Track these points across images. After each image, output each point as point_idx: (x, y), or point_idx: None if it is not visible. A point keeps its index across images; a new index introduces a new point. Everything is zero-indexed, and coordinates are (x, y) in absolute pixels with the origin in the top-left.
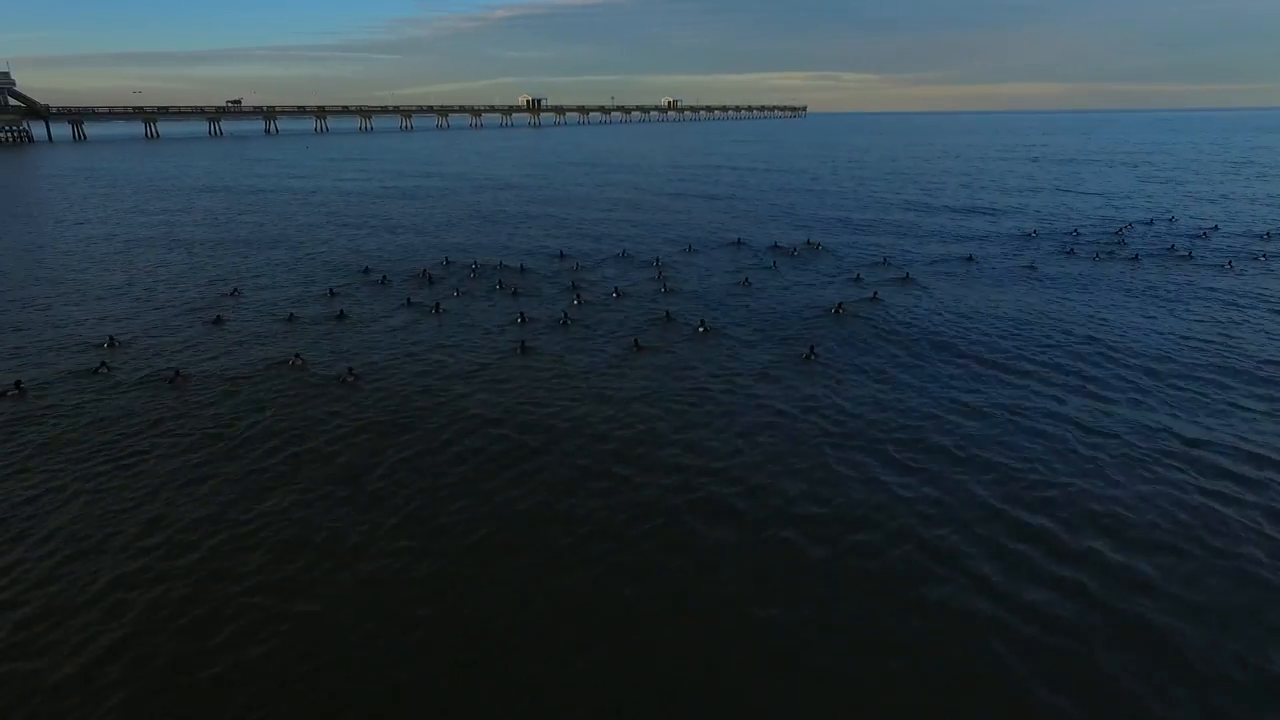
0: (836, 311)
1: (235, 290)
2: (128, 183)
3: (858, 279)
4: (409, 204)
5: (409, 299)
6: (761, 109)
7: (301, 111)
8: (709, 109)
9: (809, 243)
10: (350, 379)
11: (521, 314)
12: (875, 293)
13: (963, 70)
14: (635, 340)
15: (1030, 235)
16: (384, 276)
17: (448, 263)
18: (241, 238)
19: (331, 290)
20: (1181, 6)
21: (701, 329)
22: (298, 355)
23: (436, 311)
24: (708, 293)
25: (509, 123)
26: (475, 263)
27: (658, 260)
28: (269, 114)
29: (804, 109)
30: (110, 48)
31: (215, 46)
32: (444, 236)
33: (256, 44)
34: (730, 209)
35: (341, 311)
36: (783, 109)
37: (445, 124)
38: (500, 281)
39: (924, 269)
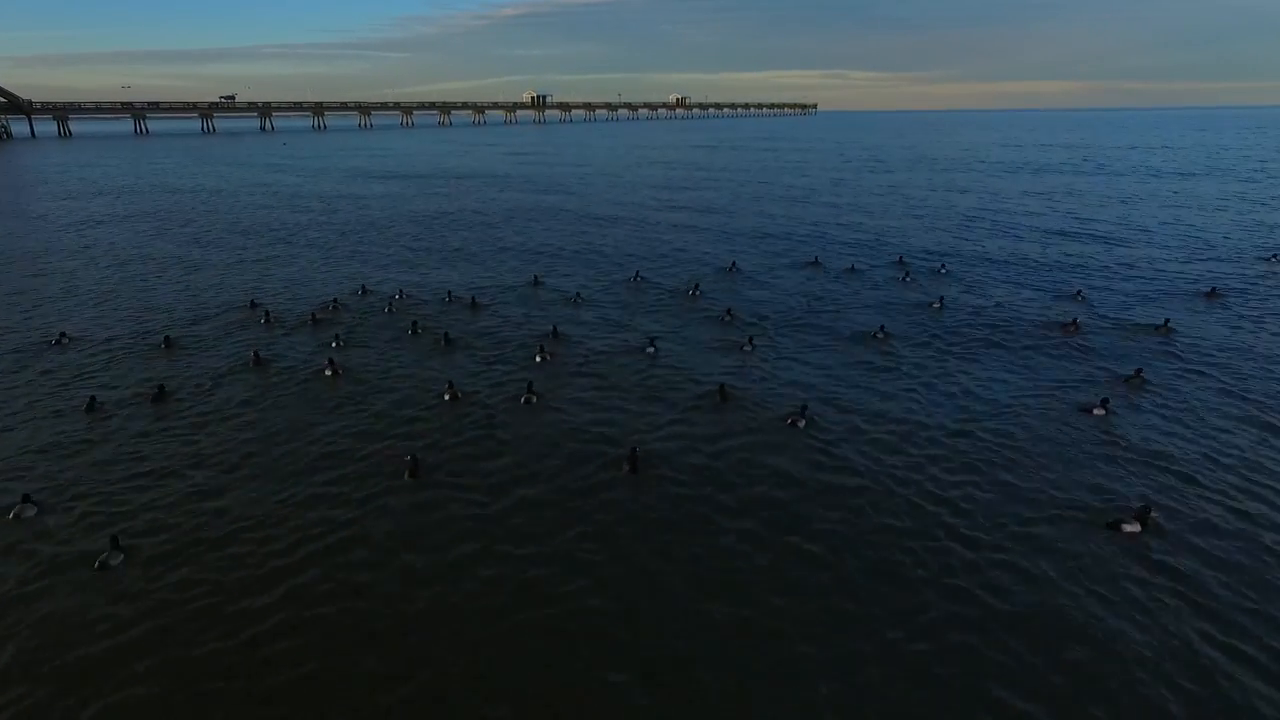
0: None
1: (62, 336)
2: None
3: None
4: (332, 212)
5: (255, 355)
6: (771, 107)
7: (298, 108)
8: (718, 106)
9: (942, 268)
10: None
11: (450, 384)
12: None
13: (974, 68)
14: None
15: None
16: (267, 314)
17: (364, 292)
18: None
19: (167, 340)
20: (1195, 3)
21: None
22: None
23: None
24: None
25: (513, 120)
26: (399, 293)
27: (696, 287)
28: (264, 110)
29: (814, 107)
30: (119, 46)
31: (223, 44)
32: (367, 258)
33: (264, 41)
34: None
35: (162, 388)
36: (793, 106)
37: (447, 121)
38: (415, 325)
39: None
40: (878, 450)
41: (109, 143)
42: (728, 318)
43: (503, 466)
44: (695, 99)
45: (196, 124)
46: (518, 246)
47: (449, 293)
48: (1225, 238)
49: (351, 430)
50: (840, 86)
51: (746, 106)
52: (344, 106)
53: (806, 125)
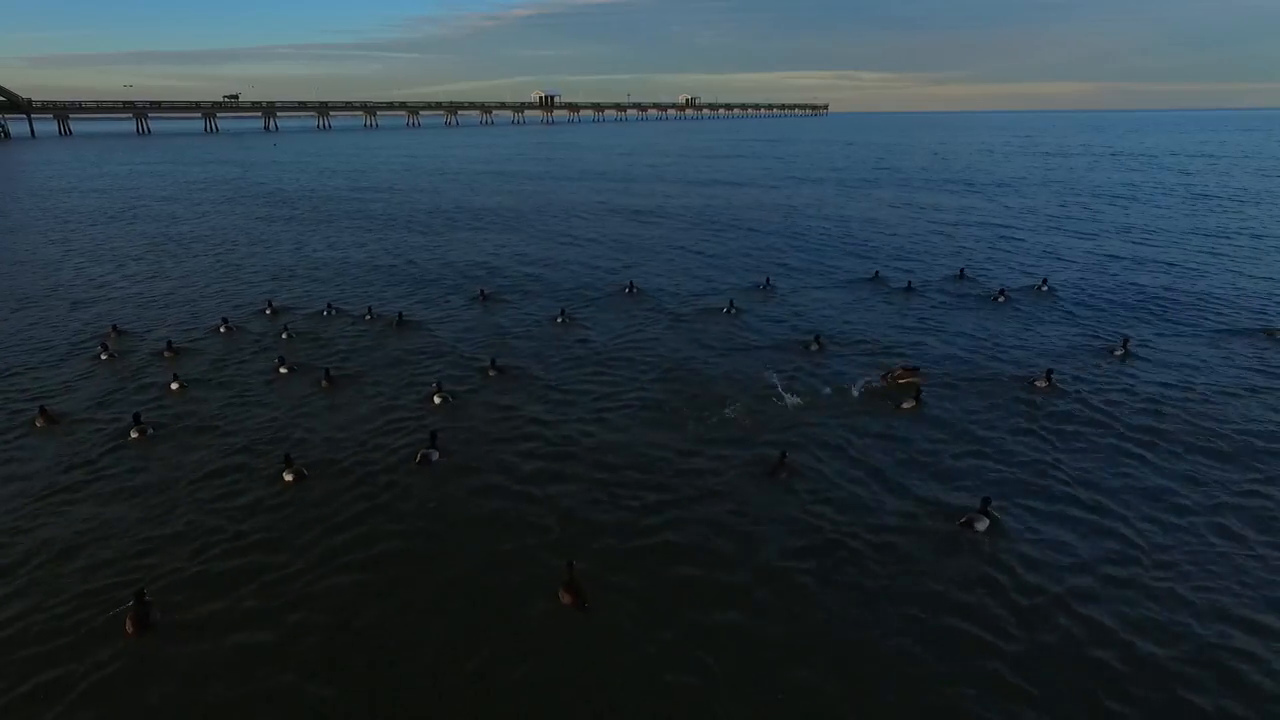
0: None
1: None
2: None
3: None
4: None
5: (43, 411)
6: (783, 107)
7: (303, 108)
8: (728, 107)
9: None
10: None
11: (288, 459)
12: None
13: (984, 69)
14: None
15: None
16: (105, 347)
17: (273, 311)
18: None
19: None
20: (1203, 5)
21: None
22: None
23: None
24: None
25: (521, 120)
26: (328, 307)
27: (731, 304)
28: (268, 110)
29: (825, 107)
30: (132, 47)
31: (234, 45)
32: (290, 265)
33: (275, 42)
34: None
35: None
36: (804, 107)
37: (454, 121)
38: (283, 360)
39: None
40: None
41: (103, 143)
42: (815, 346)
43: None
44: (705, 99)
45: (200, 124)
46: (467, 256)
47: (369, 309)
48: None
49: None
50: (851, 87)
51: (757, 107)
52: (349, 106)
53: (819, 126)
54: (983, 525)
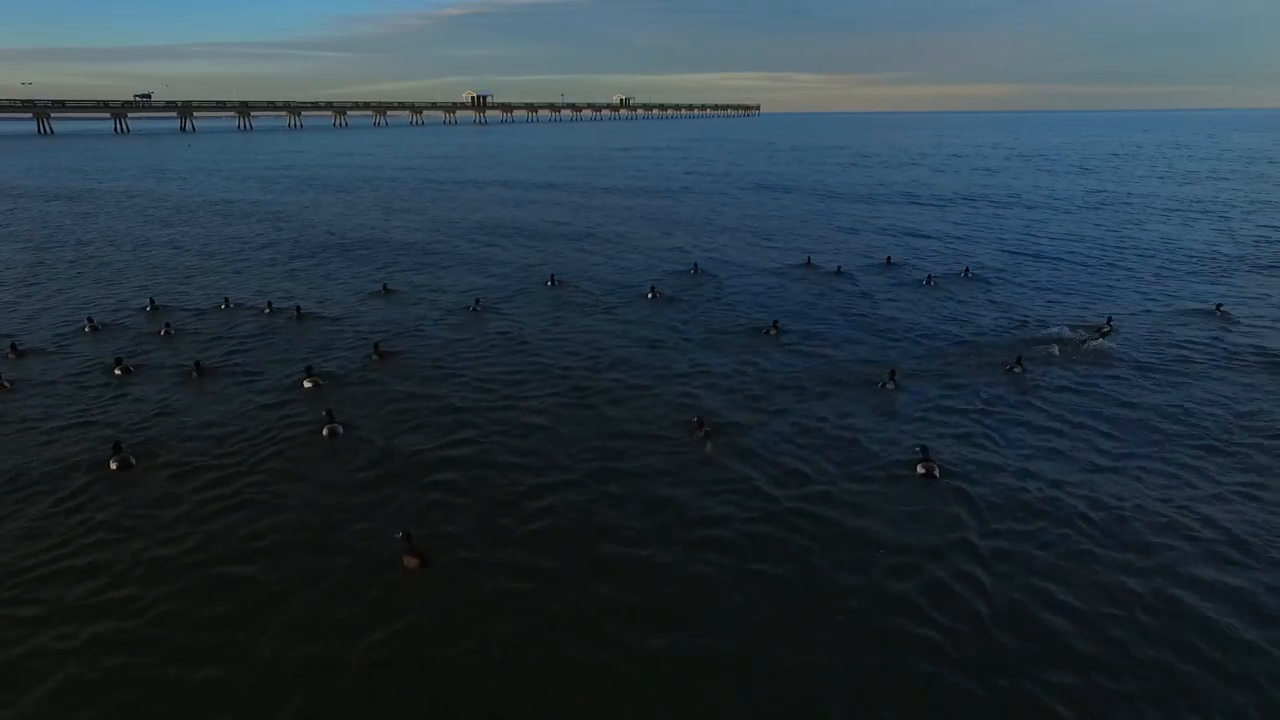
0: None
1: None
2: None
3: None
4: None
5: None
6: (716, 108)
7: (222, 107)
8: (662, 107)
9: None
10: None
11: (116, 445)
12: None
13: (913, 71)
14: None
15: None
16: None
17: (152, 308)
18: None
19: None
20: (1115, 13)
21: None
22: None
23: None
24: None
25: (453, 121)
26: (225, 301)
27: (653, 289)
28: (184, 110)
29: (758, 108)
30: (32, 42)
31: (150, 42)
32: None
33: (196, 40)
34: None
35: None
36: (736, 108)
37: (383, 122)
38: (119, 360)
39: None
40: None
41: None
42: (773, 331)
43: None
44: (640, 100)
45: (109, 124)
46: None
47: (269, 303)
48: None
49: None
50: (785, 88)
51: (691, 108)
52: (272, 106)
53: (747, 126)
54: (923, 470)
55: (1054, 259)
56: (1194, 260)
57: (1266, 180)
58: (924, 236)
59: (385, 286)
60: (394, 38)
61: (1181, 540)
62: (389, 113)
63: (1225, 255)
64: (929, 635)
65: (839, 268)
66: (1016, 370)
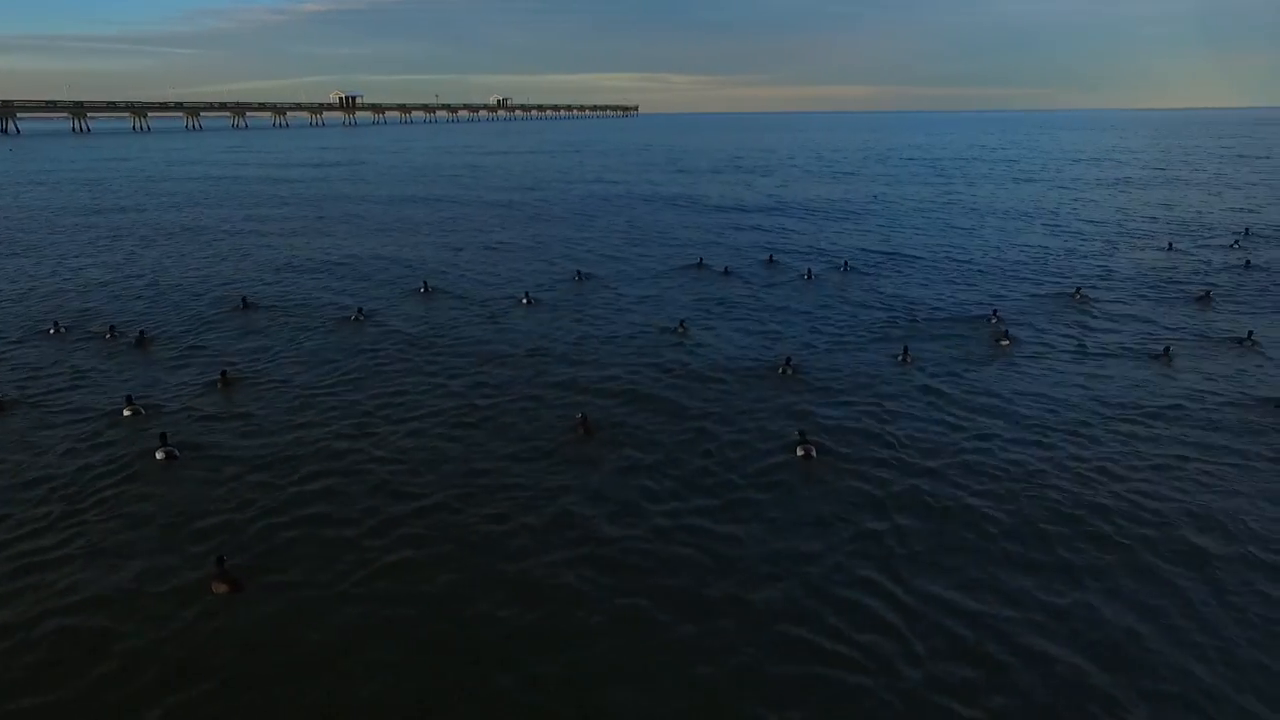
0: None
1: None
2: None
3: None
4: None
5: None
6: (594, 108)
7: (52, 107)
8: (540, 108)
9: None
10: None
11: None
12: None
13: (785, 73)
14: None
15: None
16: None
17: None
18: None
19: None
20: (968, 20)
21: None
22: None
23: None
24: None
25: (320, 122)
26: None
27: (526, 295)
28: (4, 110)
29: (636, 108)
30: None
31: None
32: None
33: (19, 31)
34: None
35: None
36: (614, 108)
37: (242, 124)
38: None
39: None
40: None
41: None
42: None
43: None
44: (517, 101)
45: None
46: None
47: (111, 327)
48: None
49: None
50: (663, 89)
51: (569, 108)
52: (113, 106)
53: (626, 127)
54: (802, 452)
55: (925, 252)
56: (1046, 251)
57: (1089, 174)
58: (798, 234)
59: (245, 300)
60: (249, 34)
61: (1065, 526)
62: (249, 114)
63: (1076, 243)
64: (809, 614)
65: (726, 268)
66: (905, 360)
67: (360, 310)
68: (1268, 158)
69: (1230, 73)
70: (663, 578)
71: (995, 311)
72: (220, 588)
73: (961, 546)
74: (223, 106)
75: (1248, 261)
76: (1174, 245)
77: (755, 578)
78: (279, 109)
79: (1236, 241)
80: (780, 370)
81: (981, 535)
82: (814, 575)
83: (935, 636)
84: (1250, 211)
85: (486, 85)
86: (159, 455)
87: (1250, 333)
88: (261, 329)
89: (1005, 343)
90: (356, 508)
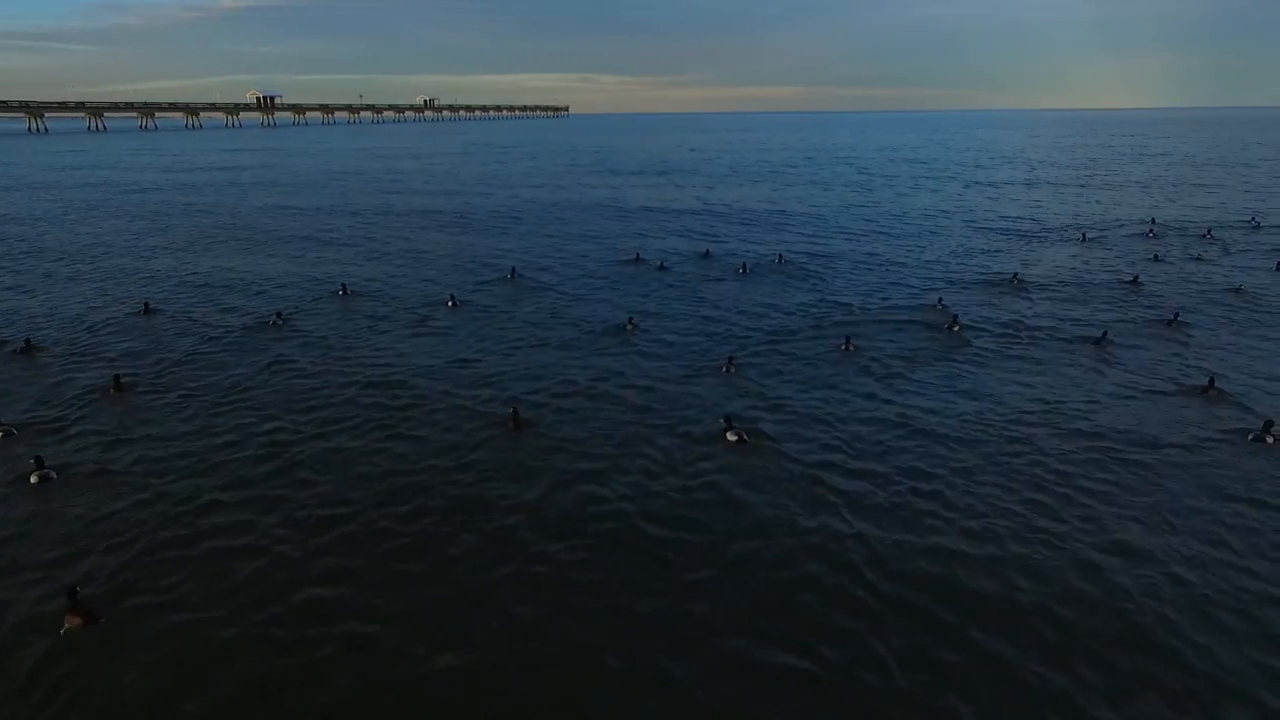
0: None
1: None
2: None
3: None
4: None
5: None
6: (524, 109)
7: None
8: (468, 108)
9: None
10: None
11: None
12: None
13: (715, 73)
14: None
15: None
16: None
17: None
18: None
19: None
20: (890, 23)
21: None
22: None
23: None
24: None
25: (237, 124)
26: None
27: (452, 298)
28: None
29: (566, 109)
30: None
31: None
32: None
33: None
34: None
35: None
36: (544, 109)
37: (151, 125)
38: None
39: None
40: None
41: None
42: (629, 326)
43: None
44: (444, 101)
45: None
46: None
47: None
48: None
49: None
50: (593, 90)
51: (498, 109)
52: (4, 106)
53: (556, 128)
54: (733, 437)
55: (859, 244)
56: (991, 234)
57: (1018, 168)
58: (744, 224)
59: (147, 305)
60: (159, 32)
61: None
62: (159, 115)
63: (1014, 230)
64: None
65: (661, 263)
66: (848, 349)
67: (279, 315)
68: (1165, 155)
69: (1127, 75)
70: (589, 572)
71: (941, 299)
72: (74, 621)
73: (903, 520)
74: (130, 106)
75: (1156, 255)
76: (1087, 236)
77: (691, 571)
78: (192, 109)
79: (1150, 230)
80: (724, 369)
81: (928, 513)
82: (749, 555)
83: (898, 624)
84: (1156, 208)
85: (414, 85)
86: (33, 480)
87: (1176, 314)
88: (165, 334)
89: (956, 328)
90: (255, 530)
